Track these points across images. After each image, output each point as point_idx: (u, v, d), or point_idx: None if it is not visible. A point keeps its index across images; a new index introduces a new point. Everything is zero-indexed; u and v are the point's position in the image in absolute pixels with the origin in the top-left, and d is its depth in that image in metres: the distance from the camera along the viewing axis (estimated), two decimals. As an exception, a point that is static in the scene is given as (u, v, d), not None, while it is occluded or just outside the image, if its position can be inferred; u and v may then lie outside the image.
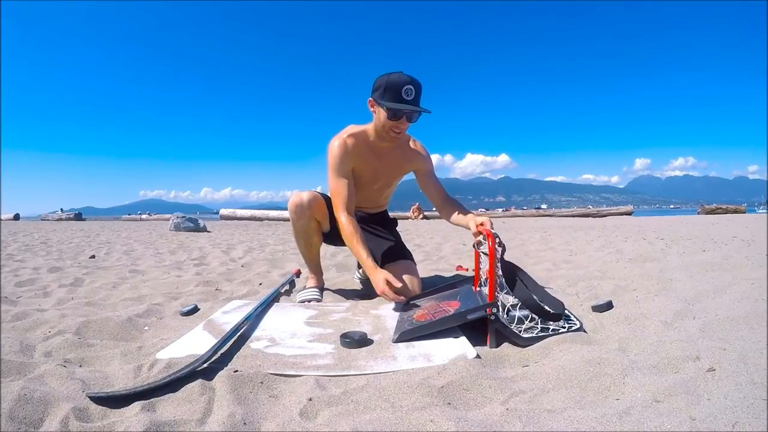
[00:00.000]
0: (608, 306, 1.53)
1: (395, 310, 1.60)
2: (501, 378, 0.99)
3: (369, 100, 1.78)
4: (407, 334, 1.29)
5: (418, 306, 1.55)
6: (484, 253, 1.44)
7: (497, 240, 1.39)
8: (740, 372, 0.92)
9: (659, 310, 1.46)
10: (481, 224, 1.59)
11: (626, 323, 1.38)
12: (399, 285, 1.57)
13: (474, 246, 1.61)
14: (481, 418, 0.82)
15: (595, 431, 0.75)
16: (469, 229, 1.68)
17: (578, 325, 1.31)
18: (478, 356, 1.12)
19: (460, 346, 1.19)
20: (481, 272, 1.57)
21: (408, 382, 0.97)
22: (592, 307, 1.54)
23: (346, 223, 1.76)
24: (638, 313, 1.45)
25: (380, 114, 1.75)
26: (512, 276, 1.46)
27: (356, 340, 1.23)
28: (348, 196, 1.82)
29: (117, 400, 0.91)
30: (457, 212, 1.85)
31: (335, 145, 1.84)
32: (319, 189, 2.07)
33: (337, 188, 1.83)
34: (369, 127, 1.87)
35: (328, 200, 1.94)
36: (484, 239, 1.48)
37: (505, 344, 1.26)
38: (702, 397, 0.84)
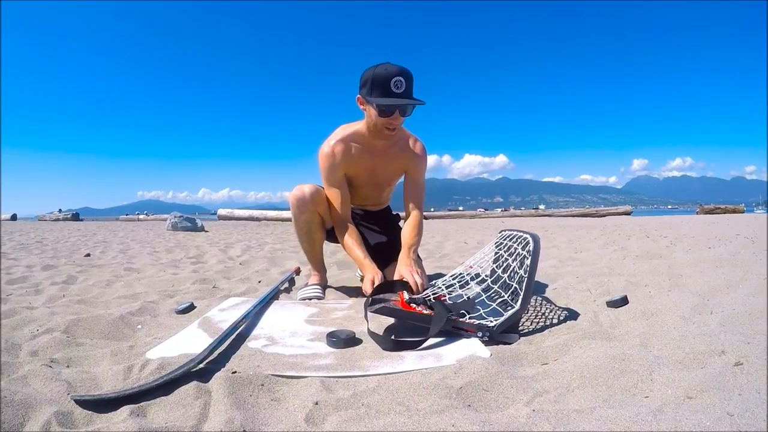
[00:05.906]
0: (623, 301, 1.47)
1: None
2: (521, 377, 0.92)
3: (357, 98, 1.66)
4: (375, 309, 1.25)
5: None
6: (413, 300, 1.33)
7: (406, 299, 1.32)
8: (769, 365, 0.87)
9: (675, 305, 1.41)
10: (402, 278, 1.47)
11: (644, 318, 1.32)
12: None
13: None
14: (506, 420, 0.75)
15: (630, 431, 0.69)
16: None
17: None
18: (491, 355, 1.06)
19: (471, 346, 1.13)
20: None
21: (423, 383, 0.89)
22: (606, 302, 1.49)
23: (341, 231, 1.74)
24: (654, 308, 1.39)
25: (370, 112, 1.63)
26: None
27: (343, 340, 1.16)
28: (342, 203, 1.77)
29: (104, 404, 0.84)
30: (405, 234, 1.75)
31: (323, 154, 1.76)
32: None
33: (330, 197, 1.79)
34: (362, 125, 1.75)
35: None
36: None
37: (522, 341, 1.19)
38: (733, 392, 0.79)
